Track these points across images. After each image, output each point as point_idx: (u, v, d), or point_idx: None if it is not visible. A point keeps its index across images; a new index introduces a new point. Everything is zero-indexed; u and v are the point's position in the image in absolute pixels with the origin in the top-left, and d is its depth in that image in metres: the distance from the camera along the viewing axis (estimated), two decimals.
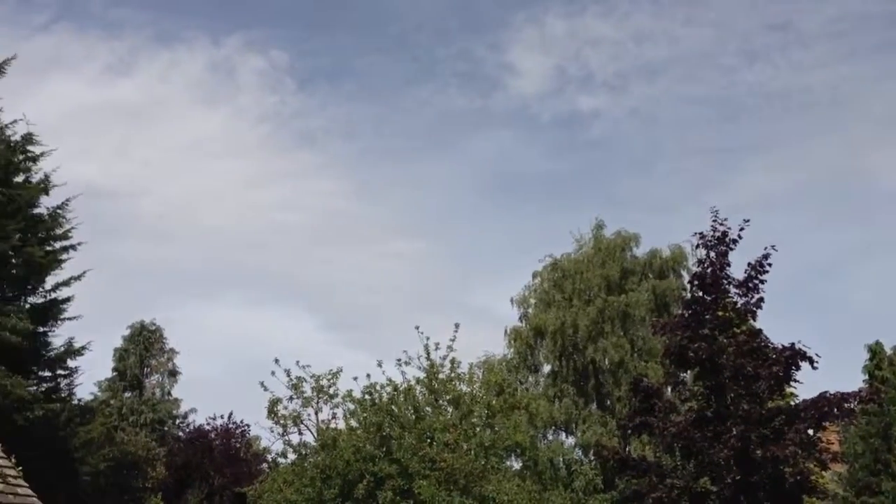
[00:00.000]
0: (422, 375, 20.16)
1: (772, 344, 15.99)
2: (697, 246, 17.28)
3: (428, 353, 20.34)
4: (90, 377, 37.97)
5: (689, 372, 17.75)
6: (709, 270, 16.65)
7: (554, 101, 73.98)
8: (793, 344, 15.79)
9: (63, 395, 22.37)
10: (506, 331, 34.23)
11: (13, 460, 9.57)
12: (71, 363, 22.45)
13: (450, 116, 74.18)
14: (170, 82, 74.44)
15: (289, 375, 20.48)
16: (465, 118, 72.41)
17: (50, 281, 21.63)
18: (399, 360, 20.14)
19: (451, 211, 75.76)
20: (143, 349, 35.62)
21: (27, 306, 21.03)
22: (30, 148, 21.70)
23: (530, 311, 34.52)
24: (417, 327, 20.25)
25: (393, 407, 19.50)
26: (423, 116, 74.77)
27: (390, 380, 20.01)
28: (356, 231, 76.02)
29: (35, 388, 20.60)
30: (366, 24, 76.71)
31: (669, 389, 18.09)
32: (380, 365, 20.15)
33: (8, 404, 18.47)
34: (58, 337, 22.13)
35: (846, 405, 15.53)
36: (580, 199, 70.92)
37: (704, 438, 15.43)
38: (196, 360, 56.51)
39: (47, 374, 22.23)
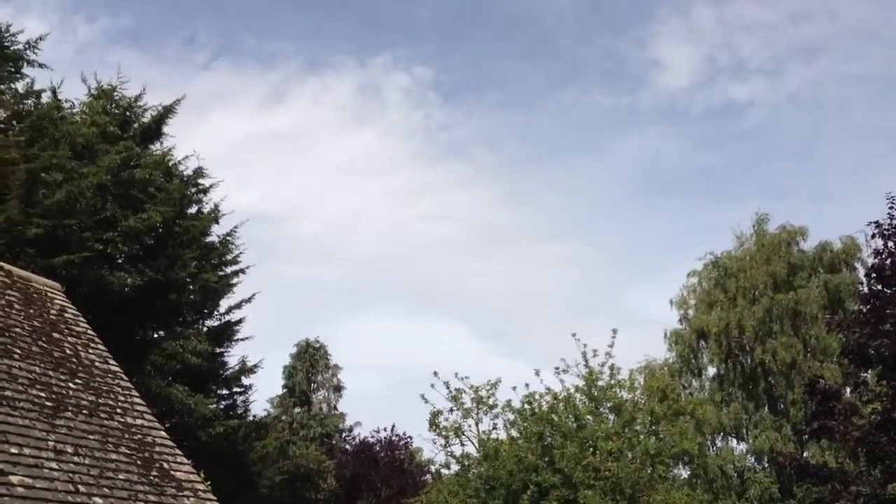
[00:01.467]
0: (581, 383, 19.95)
1: None
2: (873, 236, 16.18)
3: (586, 360, 20.12)
4: (262, 394, 40.24)
5: (870, 371, 16.58)
6: (888, 262, 15.52)
7: (704, 92, 71.28)
8: None
9: (240, 411, 23.76)
10: (665, 333, 33.24)
11: (202, 475, 10.22)
12: (245, 381, 23.85)
13: (596, 117, 73.10)
14: (321, 107, 77.84)
15: (448, 387, 20.80)
16: (611, 118, 71.08)
17: (224, 304, 23.11)
18: (557, 368, 20.05)
19: (602, 213, 74.60)
20: (310, 366, 37.26)
21: (205, 329, 22.51)
22: (200, 181, 23.30)
23: (691, 312, 33.37)
24: (574, 334, 20.08)
25: (553, 416, 19.38)
26: (569, 119, 74.05)
27: (549, 388, 19.93)
28: (506, 239, 76.32)
29: (215, 405, 21.99)
30: (505, 31, 77.03)
31: (849, 390, 17.00)
32: (537, 374, 20.13)
33: (192, 422, 19.80)
34: (233, 357, 23.57)
35: None
36: (737, 193, 67.86)
37: (892, 442, 14.34)
38: (357, 375, 58.50)
39: (225, 392, 23.69)
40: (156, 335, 21.39)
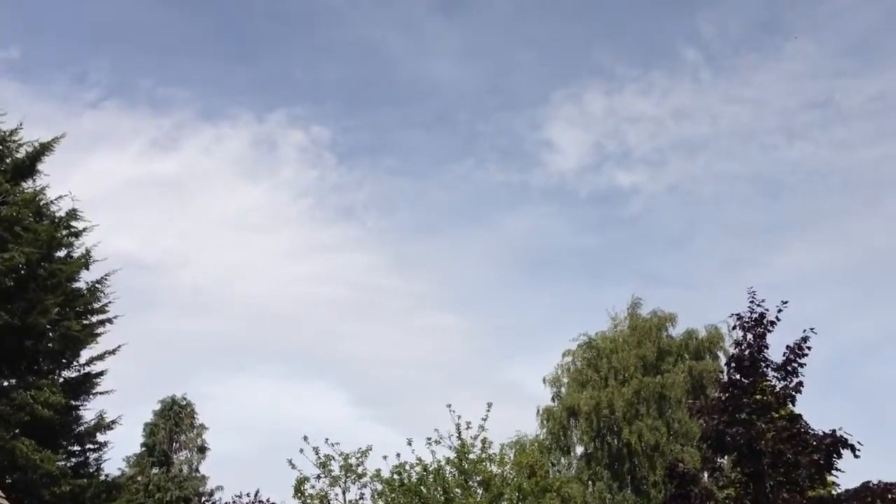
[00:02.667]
0: (452, 455, 19.83)
1: (812, 430, 15.48)
2: (734, 327, 16.97)
3: (459, 433, 20.06)
4: (120, 452, 37.90)
5: (726, 457, 17.21)
6: (746, 353, 16.30)
7: (592, 176, 74.44)
8: (834, 431, 15.26)
9: (91, 470, 22.27)
10: (538, 411, 33.70)
11: None
12: (101, 438, 22.42)
13: (488, 191, 74.95)
14: (212, 157, 76.45)
15: (317, 453, 20.27)
16: (503, 193, 73.12)
17: (85, 355, 21.83)
18: (429, 438, 19.90)
19: (487, 286, 75.71)
20: (174, 424, 35.56)
21: (61, 380, 21.18)
22: (73, 223, 22.22)
23: (563, 390, 34.01)
24: (449, 406, 20.05)
25: (422, 488, 19.14)
26: (462, 191, 75.61)
27: (420, 459, 19.71)
28: (392, 305, 76.15)
29: (64, 462, 20.56)
30: (406, 100, 78.47)
31: (706, 475, 17.54)
32: (409, 443, 19.90)
33: (36, 479, 18.43)
34: (89, 411, 22.20)
35: (890, 496, 14.89)
36: (616, 276, 70.48)
37: None
38: (226, 436, 56.28)
39: (77, 448, 22.21)
40: (6, 383, 19.95)
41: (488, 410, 20.21)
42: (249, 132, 77.37)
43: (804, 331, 16.15)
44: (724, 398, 16.39)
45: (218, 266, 75.24)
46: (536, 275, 74.85)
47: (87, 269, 22.16)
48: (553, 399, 34.08)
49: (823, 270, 70.80)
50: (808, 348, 16.05)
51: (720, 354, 32.86)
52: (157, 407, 35.81)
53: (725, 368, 17.74)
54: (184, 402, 36.05)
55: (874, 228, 69.93)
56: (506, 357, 73.98)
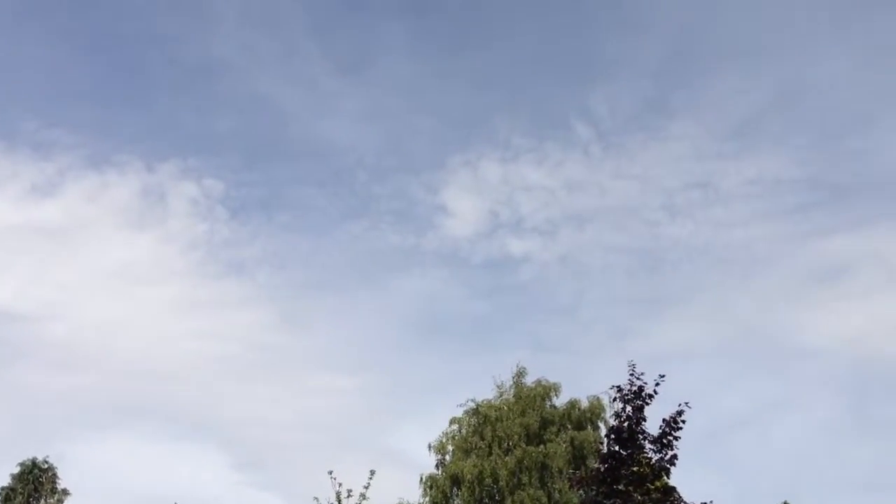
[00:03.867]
0: None
1: (686, 502, 15.92)
2: (615, 399, 17.38)
3: (339, 500, 19.54)
4: None
5: None
6: (625, 425, 16.69)
7: (485, 243, 75.83)
8: (706, 503, 15.76)
9: None
10: (421, 478, 33.30)
11: None
12: None
13: (382, 253, 75.10)
14: (97, 205, 73.61)
15: None
16: (397, 255, 73.39)
17: None
18: None
19: (376, 348, 75.16)
20: (33, 489, 33.20)
21: None
22: None
23: (448, 457, 33.79)
24: (330, 472, 19.55)
25: None
26: (357, 251, 75.49)
27: None
28: (280, 365, 74.35)
29: None
30: (303, 157, 78.32)
31: None
32: None
33: None
34: None
35: None
36: (505, 342, 71.37)
37: None
38: (93, 500, 52.83)
39: None
40: None
41: (370, 478, 19.81)
42: (138, 181, 75.20)
43: (679, 404, 16.73)
44: (603, 469, 16.67)
45: (97, 319, 71.83)
46: (427, 338, 74.96)
47: None
48: (437, 466, 33.80)
49: (700, 343, 73.92)
50: (683, 421, 16.61)
51: (601, 425, 33.51)
52: (16, 470, 33.41)
53: (605, 440, 18.08)
54: (45, 466, 33.79)
55: (746, 304, 73.78)
56: (394, 421, 73.07)
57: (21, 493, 32.82)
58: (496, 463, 32.11)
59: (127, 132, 77.90)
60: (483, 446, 33.14)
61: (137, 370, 68.47)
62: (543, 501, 31.40)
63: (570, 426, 33.95)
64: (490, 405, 34.56)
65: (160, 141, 77.61)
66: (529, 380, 35.28)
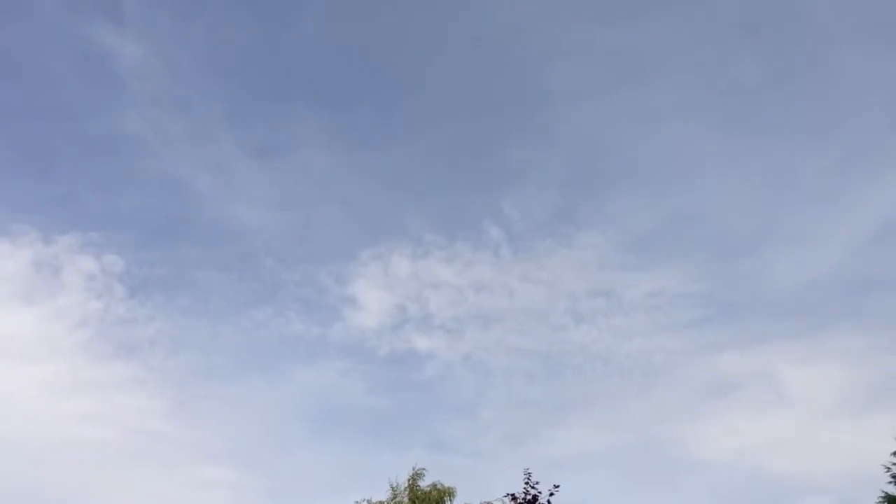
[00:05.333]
0: None
1: None
2: None
3: None
4: None
5: None
6: None
7: (391, 337, 75.21)
8: None
9: None
10: None
11: None
12: None
13: (285, 341, 73.24)
14: None
15: None
16: (300, 345, 71.68)
17: None
18: None
19: (270, 441, 72.24)
20: None
21: None
22: None
23: None
24: None
25: None
26: (258, 338, 73.35)
27: None
28: (168, 454, 70.49)
29: None
30: (210, 240, 76.67)
31: None
32: None
33: None
34: None
35: None
36: (405, 439, 69.88)
37: None
38: None
39: None
40: None
41: None
42: (32, 252, 72.03)
43: None
44: None
45: None
46: (324, 432, 72.86)
47: None
48: None
49: (597, 451, 74.28)
50: None
51: None
52: None
53: None
54: None
55: (643, 414, 75.04)
56: None
57: None
58: None
59: (26, 202, 75.08)
60: None
61: (8, 454, 63.80)
62: None
63: None
64: None
65: (61, 213, 74.96)
66: (426, 481, 34.50)
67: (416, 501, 33.34)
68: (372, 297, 76.32)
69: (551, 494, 16.91)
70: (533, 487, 16.99)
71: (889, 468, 24.20)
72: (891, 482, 24.39)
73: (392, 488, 34.48)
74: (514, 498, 17.02)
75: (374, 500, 33.62)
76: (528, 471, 17.25)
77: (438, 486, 34.46)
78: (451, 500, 34.39)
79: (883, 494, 24.39)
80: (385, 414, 74.62)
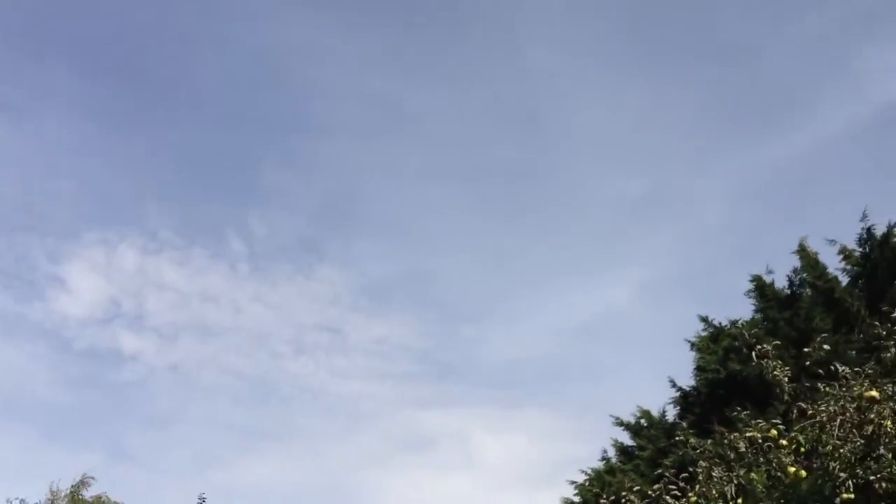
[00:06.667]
0: None
1: None
2: None
3: None
4: None
5: None
6: None
7: (96, 329, 69.21)
8: None
9: None
10: None
11: None
12: None
13: None
14: None
15: None
16: None
17: None
18: None
19: None
20: None
21: None
22: None
23: None
24: None
25: None
26: None
27: None
28: None
29: None
30: None
31: None
32: None
33: None
34: None
35: None
36: (85, 440, 64.07)
37: None
38: None
39: None
40: None
41: None
42: None
43: None
44: None
45: None
46: (4, 422, 64.94)
47: None
48: None
49: (284, 485, 73.00)
50: None
51: None
52: None
53: None
54: None
55: (338, 456, 75.24)
56: None
57: None
58: None
59: None
60: None
61: None
62: None
63: None
64: None
65: None
66: (93, 491, 31.58)
67: None
68: (85, 283, 70.06)
69: None
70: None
71: None
72: None
73: (52, 492, 31.15)
74: None
75: (28, 503, 30.17)
76: (204, 496, 16.22)
77: (104, 499, 31.64)
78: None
79: None
80: (67, 411, 68.14)
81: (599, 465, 17.41)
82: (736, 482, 6.78)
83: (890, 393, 6.55)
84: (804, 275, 14.90)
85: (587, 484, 16.97)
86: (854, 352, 12.95)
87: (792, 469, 6.45)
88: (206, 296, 74.26)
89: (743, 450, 6.97)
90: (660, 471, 7.98)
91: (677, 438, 10.02)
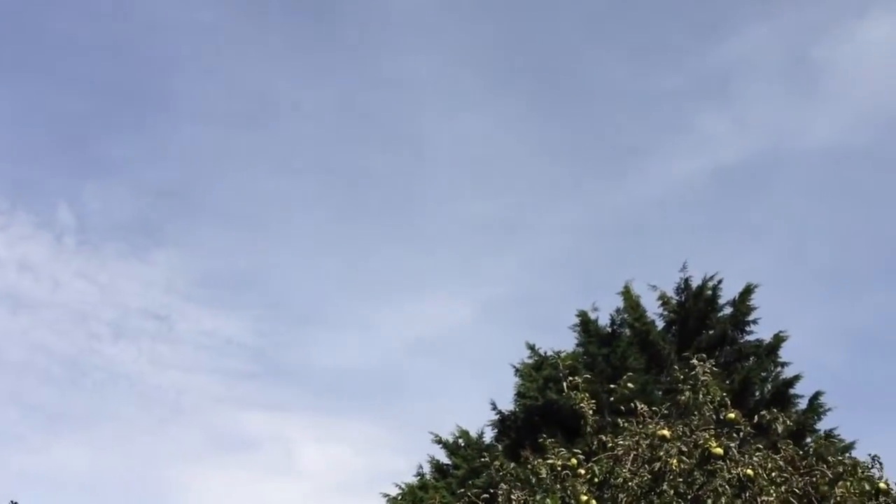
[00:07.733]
0: None
1: None
2: None
3: None
4: None
5: None
6: None
7: None
8: None
9: None
10: None
11: None
12: None
13: None
14: None
15: None
16: None
17: None
18: None
19: None
20: None
21: None
22: None
23: None
24: None
25: None
26: None
27: None
28: None
29: None
30: None
31: None
32: None
33: None
34: None
35: None
36: None
37: None
38: None
39: None
40: None
41: None
42: None
43: None
44: None
45: None
46: None
47: None
48: None
49: (84, 472, 68.91)
50: None
51: None
52: None
53: None
54: None
55: (153, 449, 71.80)
56: None
57: None
58: None
59: None
60: None
61: None
62: None
63: None
64: None
65: None
66: None
67: None
68: None
69: None
70: None
71: None
72: None
73: None
74: None
75: None
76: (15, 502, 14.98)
77: None
78: None
79: None
80: None
81: (414, 480, 17.55)
82: None
83: (680, 433, 7.01)
84: (625, 315, 15.75)
85: (399, 498, 17.05)
86: (661, 392, 13.82)
87: (584, 497, 6.74)
88: (25, 265, 69.07)
89: (543, 476, 7.22)
90: (464, 490, 8.13)
91: (483, 459, 10.26)
